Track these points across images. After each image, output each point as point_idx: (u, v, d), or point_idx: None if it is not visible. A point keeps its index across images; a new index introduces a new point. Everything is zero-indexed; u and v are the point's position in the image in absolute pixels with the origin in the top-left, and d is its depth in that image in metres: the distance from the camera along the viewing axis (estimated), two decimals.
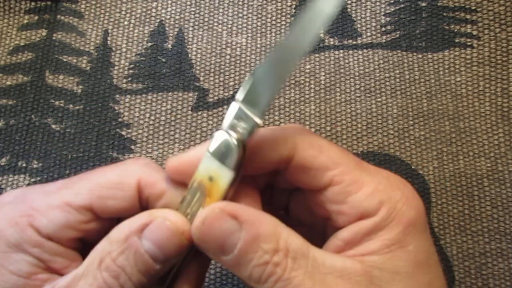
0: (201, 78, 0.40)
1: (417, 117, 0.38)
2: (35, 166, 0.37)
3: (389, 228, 0.23)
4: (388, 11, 0.40)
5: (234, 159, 0.22)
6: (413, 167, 0.37)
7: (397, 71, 0.39)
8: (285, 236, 0.22)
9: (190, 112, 0.39)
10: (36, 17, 0.41)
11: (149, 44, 0.40)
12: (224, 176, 0.22)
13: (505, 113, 0.38)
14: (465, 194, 0.37)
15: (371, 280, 0.22)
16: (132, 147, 0.38)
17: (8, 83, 0.40)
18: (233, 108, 0.23)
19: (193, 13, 0.41)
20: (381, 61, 0.39)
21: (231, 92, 0.39)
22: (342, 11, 0.41)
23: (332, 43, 0.40)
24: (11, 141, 0.38)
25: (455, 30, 0.40)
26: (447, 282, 0.35)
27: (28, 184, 0.37)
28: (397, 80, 0.39)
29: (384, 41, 0.40)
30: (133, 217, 0.23)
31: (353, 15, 0.40)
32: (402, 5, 0.40)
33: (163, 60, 0.40)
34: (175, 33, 0.41)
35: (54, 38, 0.41)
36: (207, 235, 0.22)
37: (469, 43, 0.39)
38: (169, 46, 0.40)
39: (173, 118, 0.39)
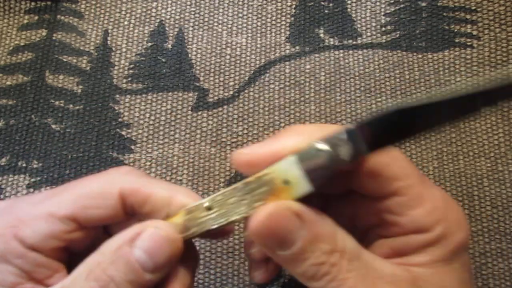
0: (201, 78, 0.40)
1: None
2: (35, 166, 0.37)
3: (440, 245, 0.23)
4: (388, 11, 0.40)
5: (320, 179, 0.21)
6: None
7: (397, 71, 0.39)
8: (342, 237, 0.22)
9: (190, 112, 0.39)
10: (36, 17, 0.41)
11: (149, 44, 0.40)
12: (302, 188, 0.22)
13: (505, 113, 0.38)
14: (465, 194, 0.37)
15: None
16: (132, 147, 0.38)
17: (8, 83, 0.40)
18: (349, 130, 0.21)
19: (193, 13, 0.41)
20: (381, 61, 0.39)
21: (231, 92, 0.39)
22: (342, 11, 0.41)
23: (332, 43, 0.40)
24: (11, 141, 0.38)
25: (455, 30, 0.40)
26: None
27: (28, 184, 0.37)
28: (397, 80, 0.39)
29: (384, 41, 0.40)
30: (126, 229, 0.23)
31: (353, 15, 0.40)
32: (402, 5, 0.40)
33: (163, 60, 0.40)
34: (175, 33, 0.41)
35: (54, 38, 0.41)
36: (270, 230, 0.22)
37: (469, 43, 0.39)
38: (169, 46, 0.40)
39: (173, 118, 0.39)
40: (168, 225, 0.23)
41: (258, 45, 0.40)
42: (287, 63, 0.40)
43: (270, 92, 0.39)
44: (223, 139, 0.38)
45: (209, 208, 0.23)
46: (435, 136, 0.38)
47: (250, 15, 0.41)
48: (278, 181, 0.22)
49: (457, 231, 0.24)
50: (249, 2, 0.41)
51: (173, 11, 0.41)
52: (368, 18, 0.40)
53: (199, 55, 0.40)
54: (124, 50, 0.40)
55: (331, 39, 0.40)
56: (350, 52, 0.40)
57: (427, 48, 0.39)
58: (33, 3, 0.41)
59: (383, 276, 0.22)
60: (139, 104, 0.39)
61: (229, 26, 0.41)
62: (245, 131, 0.38)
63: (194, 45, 0.40)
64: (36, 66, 0.40)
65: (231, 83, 0.39)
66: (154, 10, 0.41)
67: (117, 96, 0.39)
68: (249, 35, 0.40)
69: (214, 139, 0.38)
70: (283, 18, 0.41)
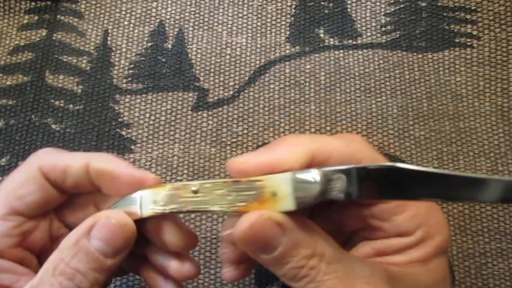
0: (201, 78, 0.40)
1: (417, 117, 0.38)
2: None
3: (419, 247, 0.25)
4: (388, 11, 0.40)
5: (305, 205, 0.22)
6: None
7: (397, 71, 0.39)
8: (322, 242, 0.24)
9: (190, 112, 0.39)
10: (36, 17, 0.41)
11: (149, 44, 0.40)
12: (286, 205, 0.22)
13: (505, 113, 0.38)
14: None
15: None
16: (132, 147, 0.38)
17: (8, 83, 0.40)
18: (346, 169, 0.22)
19: (193, 13, 0.41)
20: (381, 61, 0.39)
21: (231, 92, 0.39)
22: (342, 11, 0.41)
23: (332, 43, 0.40)
24: (11, 141, 0.38)
25: (455, 30, 0.40)
26: None
27: None
28: (397, 80, 0.39)
29: (384, 41, 0.40)
30: (80, 224, 0.25)
31: (353, 15, 0.40)
32: (402, 5, 0.40)
33: (163, 60, 0.40)
34: (175, 33, 0.41)
35: (54, 38, 0.41)
36: (252, 238, 0.23)
37: (469, 43, 0.39)
38: (169, 46, 0.40)
39: (173, 118, 0.39)
40: (117, 212, 0.25)
41: (258, 45, 0.40)
42: (287, 63, 0.40)
43: (270, 92, 0.39)
44: (223, 139, 0.38)
45: (195, 192, 0.24)
46: (435, 136, 0.38)
47: (250, 15, 0.41)
48: (267, 190, 0.23)
49: (436, 235, 0.25)
50: (249, 2, 0.41)
51: (173, 11, 0.41)
52: (368, 18, 0.40)
53: (199, 55, 0.40)
54: (124, 50, 0.40)
55: (331, 39, 0.40)
56: (350, 52, 0.40)
57: (427, 48, 0.39)
58: (33, 3, 0.41)
59: (362, 276, 0.24)
60: (139, 104, 0.39)
61: (229, 26, 0.41)
62: (245, 131, 0.38)
63: (194, 45, 0.40)
64: (36, 66, 0.40)
65: (231, 83, 0.39)
66: (154, 10, 0.41)
67: (117, 96, 0.39)
68: (249, 35, 0.40)
69: (214, 139, 0.38)
70: (283, 18, 0.41)
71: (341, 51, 0.40)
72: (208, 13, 0.41)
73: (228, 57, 0.40)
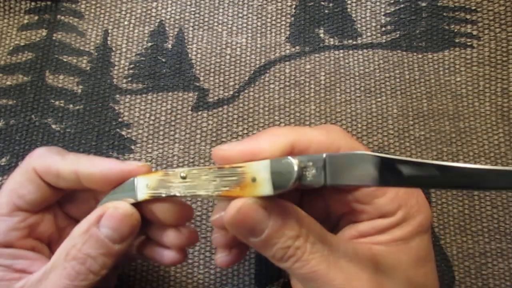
0: (201, 78, 0.40)
1: (417, 117, 0.38)
2: None
3: (400, 227, 0.26)
4: (388, 11, 0.40)
5: (282, 190, 0.23)
6: None
7: (397, 71, 0.39)
8: (307, 223, 0.25)
9: (190, 112, 0.39)
10: (36, 17, 0.41)
11: (149, 44, 0.40)
12: (264, 190, 0.24)
13: (505, 113, 0.38)
14: (465, 194, 0.37)
15: (377, 266, 0.26)
16: (132, 147, 0.38)
17: (8, 83, 0.40)
18: (320, 157, 0.23)
19: (193, 13, 0.41)
20: (381, 61, 0.39)
21: (231, 92, 0.39)
22: (342, 11, 0.41)
23: (332, 43, 0.40)
24: (11, 141, 0.38)
25: (455, 30, 0.40)
26: (447, 282, 0.35)
27: None
28: (397, 80, 0.39)
29: (384, 41, 0.40)
30: (90, 214, 0.27)
31: (353, 15, 0.40)
32: (402, 5, 0.40)
33: (163, 60, 0.40)
34: (175, 33, 0.41)
35: (54, 38, 0.41)
36: (240, 222, 0.24)
37: (469, 43, 0.39)
38: (169, 46, 0.40)
39: (173, 118, 0.39)
40: (122, 203, 0.27)
41: (258, 45, 0.40)
42: (287, 63, 0.40)
43: (270, 92, 0.39)
44: (223, 139, 0.38)
45: (183, 177, 0.26)
46: (435, 136, 0.38)
47: (250, 15, 0.41)
48: (248, 176, 0.24)
49: (417, 215, 0.27)
50: (249, 2, 0.41)
51: (173, 11, 0.41)
52: (368, 18, 0.40)
53: (199, 55, 0.40)
54: (124, 50, 0.40)
55: (331, 39, 0.40)
56: (350, 52, 0.40)
57: (427, 48, 0.39)
58: (33, 3, 0.41)
59: (346, 255, 0.25)
60: (139, 104, 0.39)
61: (229, 26, 0.41)
62: (245, 131, 0.38)
63: (194, 45, 0.40)
64: (36, 66, 0.40)
65: (231, 83, 0.39)
66: (154, 10, 0.41)
67: (117, 96, 0.39)
68: (249, 35, 0.40)
69: (214, 139, 0.38)
70: (283, 18, 0.41)
71: (341, 51, 0.40)
72: (208, 13, 0.41)
73: (228, 57, 0.40)
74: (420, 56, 0.39)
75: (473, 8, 0.40)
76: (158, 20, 0.41)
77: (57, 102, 0.39)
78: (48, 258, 0.28)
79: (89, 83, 0.40)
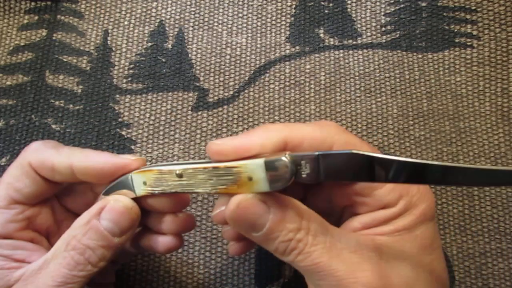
0: (201, 78, 0.40)
1: (417, 117, 0.38)
2: None
3: (403, 217, 0.27)
4: (388, 11, 0.40)
5: (279, 187, 0.24)
6: None
7: (397, 71, 0.39)
8: (307, 216, 0.25)
9: (190, 112, 0.39)
10: (36, 17, 0.41)
11: (149, 44, 0.40)
12: (261, 187, 0.24)
13: (505, 113, 0.38)
14: (465, 194, 0.37)
15: (381, 256, 0.26)
16: (132, 147, 0.38)
17: (8, 83, 0.40)
18: (313, 155, 0.24)
19: (193, 13, 0.41)
20: (381, 61, 0.39)
21: (231, 92, 0.39)
22: (342, 11, 0.41)
23: (332, 43, 0.40)
24: (11, 141, 0.38)
25: (455, 30, 0.40)
26: None
27: None
28: (397, 80, 0.39)
29: (384, 41, 0.40)
30: (92, 206, 0.27)
31: (353, 15, 0.40)
32: (402, 5, 0.40)
33: (163, 60, 0.40)
34: (175, 33, 0.41)
35: (54, 38, 0.41)
36: (241, 216, 0.25)
37: (469, 43, 0.39)
38: (169, 46, 0.40)
39: (173, 118, 0.39)
40: (123, 197, 0.27)
41: (258, 45, 0.40)
42: (287, 63, 0.40)
43: (270, 92, 0.39)
44: None
45: (179, 176, 0.26)
46: (435, 136, 0.38)
47: (250, 15, 0.41)
48: (243, 175, 0.24)
49: (420, 203, 0.27)
50: (249, 2, 0.41)
51: (173, 11, 0.41)
52: (368, 18, 0.40)
53: (199, 55, 0.40)
54: (124, 50, 0.40)
55: (331, 39, 0.40)
56: (350, 52, 0.40)
57: (427, 48, 0.39)
58: (33, 3, 0.41)
59: (348, 247, 0.25)
60: (139, 104, 0.39)
61: (229, 26, 0.41)
62: (245, 131, 0.38)
63: (194, 45, 0.40)
64: (36, 66, 0.40)
65: (231, 83, 0.39)
66: (154, 10, 0.41)
67: (117, 96, 0.39)
68: (249, 35, 0.40)
69: (214, 139, 0.38)
70: (283, 18, 0.41)
71: (341, 51, 0.40)
72: (208, 13, 0.41)
73: (228, 57, 0.40)
74: (420, 56, 0.39)
75: (473, 8, 0.40)
76: (158, 20, 0.41)
77: (57, 102, 0.39)
78: (46, 249, 0.28)
79: (89, 83, 0.40)
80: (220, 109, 0.39)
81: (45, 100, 0.39)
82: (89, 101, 0.39)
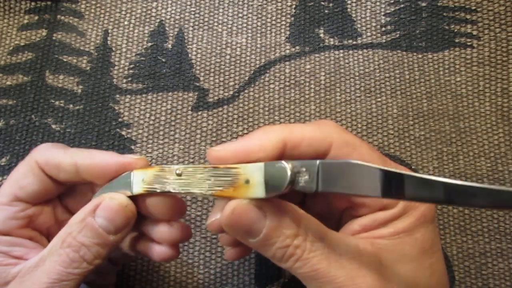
0: (201, 78, 0.40)
1: (417, 117, 0.38)
2: None
3: (402, 218, 0.26)
4: (388, 11, 0.40)
5: (274, 193, 0.23)
6: (413, 167, 0.37)
7: (397, 71, 0.39)
8: (305, 222, 0.25)
9: (190, 112, 0.39)
10: (36, 17, 0.41)
11: (149, 44, 0.40)
12: (257, 192, 0.24)
13: (505, 113, 0.38)
14: None
15: (381, 260, 0.25)
16: (132, 147, 0.38)
17: (8, 83, 0.40)
18: (313, 163, 0.23)
19: (193, 13, 0.41)
20: (381, 61, 0.39)
21: (231, 92, 0.39)
22: (342, 11, 0.41)
23: (332, 43, 0.40)
24: (11, 141, 0.38)
25: (455, 30, 0.40)
26: None
27: None
28: (397, 80, 0.39)
29: (384, 41, 0.40)
30: (87, 204, 0.27)
31: (353, 15, 0.40)
32: (402, 5, 0.40)
33: (163, 60, 0.40)
34: (175, 33, 0.41)
35: (54, 38, 0.41)
36: (236, 223, 0.24)
37: (469, 43, 0.39)
38: (169, 46, 0.40)
39: (173, 118, 0.39)
40: (118, 195, 0.27)
41: (258, 45, 0.40)
42: (287, 63, 0.40)
43: (270, 92, 0.39)
44: (223, 139, 0.38)
45: (179, 174, 0.26)
46: (435, 136, 0.38)
47: (250, 15, 0.41)
48: (241, 177, 0.24)
49: (420, 205, 0.26)
50: (249, 2, 0.41)
51: (173, 11, 0.41)
52: (368, 18, 0.40)
53: (199, 55, 0.40)
54: (124, 50, 0.40)
55: (331, 39, 0.40)
56: (350, 52, 0.40)
57: (427, 48, 0.39)
58: (33, 3, 0.41)
59: (347, 252, 0.25)
60: (139, 104, 0.39)
61: (229, 26, 0.41)
62: (245, 131, 0.38)
63: (194, 45, 0.40)
64: (36, 66, 0.40)
65: (231, 83, 0.39)
66: (154, 10, 0.41)
67: (117, 96, 0.39)
68: (249, 35, 0.40)
69: (214, 139, 0.38)
70: (283, 18, 0.41)
71: (341, 51, 0.40)
72: (208, 13, 0.41)
73: (228, 57, 0.40)
74: (420, 56, 0.39)
75: (473, 8, 0.40)
76: (158, 20, 0.41)
77: (57, 102, 0.39)
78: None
79: (89, 83, 0.40)
80: (220, 109, 0.39)
81: (45, 100, 0.39)
82: (89, 101, 0.39)
